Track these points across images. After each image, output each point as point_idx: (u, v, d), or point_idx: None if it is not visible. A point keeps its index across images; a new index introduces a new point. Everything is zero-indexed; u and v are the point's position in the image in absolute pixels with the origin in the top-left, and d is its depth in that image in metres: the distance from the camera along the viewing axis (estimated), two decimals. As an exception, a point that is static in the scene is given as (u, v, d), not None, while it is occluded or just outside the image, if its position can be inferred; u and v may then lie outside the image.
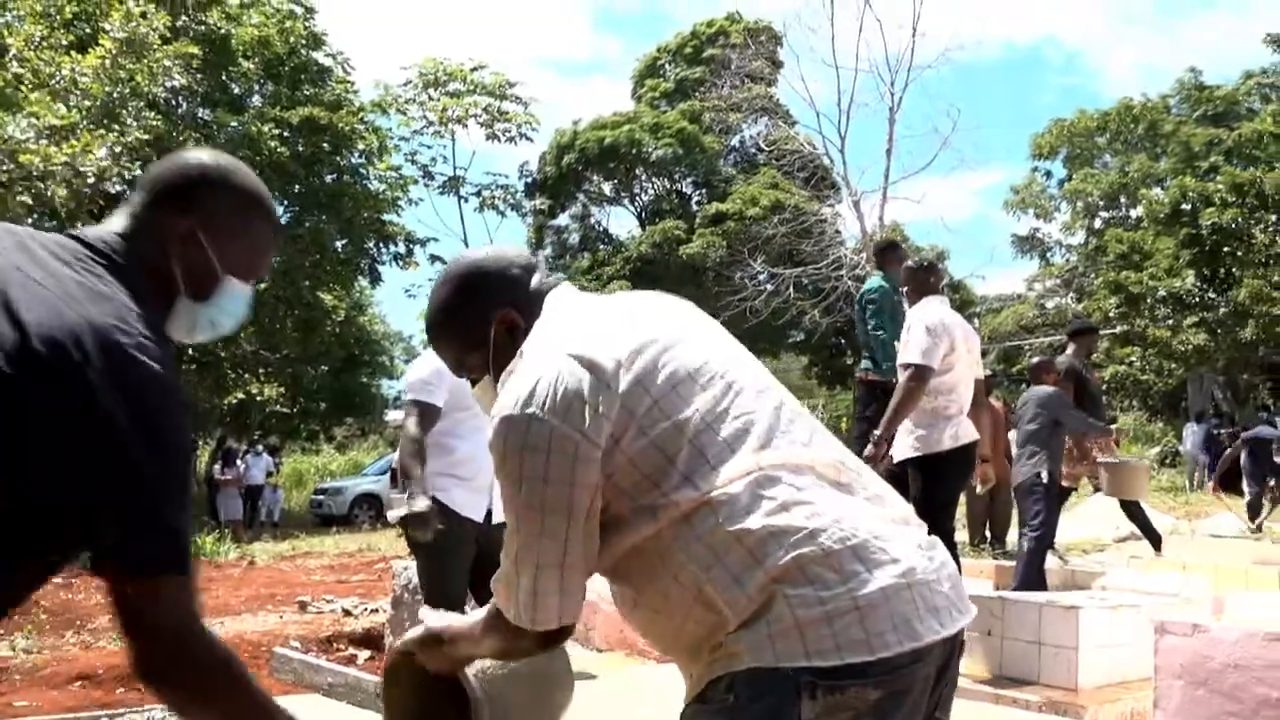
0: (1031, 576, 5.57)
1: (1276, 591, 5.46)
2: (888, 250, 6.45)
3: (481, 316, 1.45)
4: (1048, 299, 28.99)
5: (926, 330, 4.39)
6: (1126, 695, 3.97)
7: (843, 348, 28.64)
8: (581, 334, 1.33)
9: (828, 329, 23.18)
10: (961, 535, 9.75)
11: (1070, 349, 7.04)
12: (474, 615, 1.49)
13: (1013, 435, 6.92)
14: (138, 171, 15.89)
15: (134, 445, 1.08)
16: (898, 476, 4.51)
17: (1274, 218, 19.25)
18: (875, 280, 6.22)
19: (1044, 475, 6.05)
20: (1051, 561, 6.75)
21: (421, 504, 3.48)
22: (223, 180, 1.33)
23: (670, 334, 1.34)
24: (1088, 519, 10.64)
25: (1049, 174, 30.39)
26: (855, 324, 6.23)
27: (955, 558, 4.41)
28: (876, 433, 4.60)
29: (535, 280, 1.51)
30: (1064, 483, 6.94)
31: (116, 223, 1.29)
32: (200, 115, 18.87)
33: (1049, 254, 30.71)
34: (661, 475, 1.25)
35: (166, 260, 1.28)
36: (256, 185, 1.38)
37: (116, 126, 11.58)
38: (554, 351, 1.30)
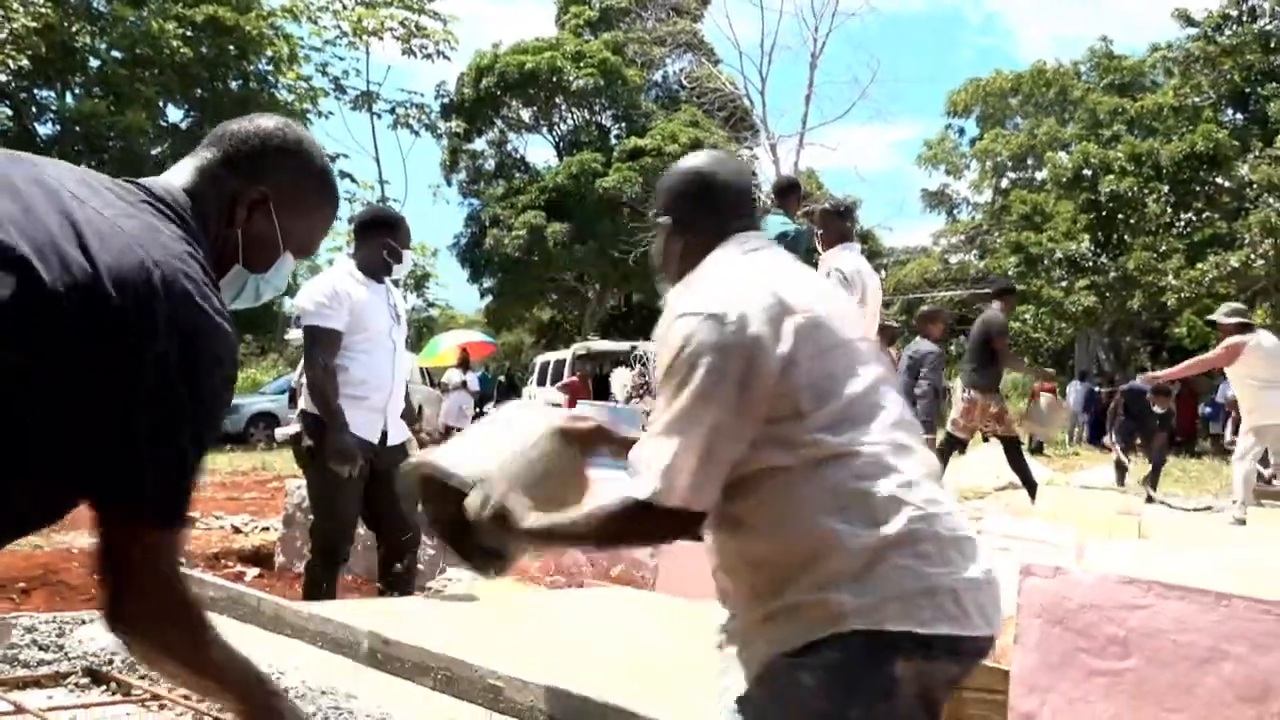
0: None
1: (1134, 540, 5.83)
2: (790, 190, 6.11)
3: (705, 225, 1.54)
4: (952, 254, 29.74)
5: (845, 279, 4.43)
6: (991, 631, 4.21)
7: (752, 291, 28.90)
8: (774, 272, 1.47)
9: (739, 271, 23.37)
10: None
11: (997, 305, 7.26)
12: (579, 510, 1.52)
13: None
14: (24, 61, 14.94)
15: (179, 393, 1.06)
16: None
17: (1167, 189, 20.05)
18: (785, 221, 5.99)
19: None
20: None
21: (347, 440, 3.44)
22: (302, 154, 1.32)
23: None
24: (972, 468, 11.14)
25: (962, 131, 30.97)
26: None
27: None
28: None
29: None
30: (958, 434, 7.24)
31: (181, 176, 1.25)
32: (96, 6, 17.77)
33: (956, 210, 31.44)
34: (809, 415, 1.36)
35: (231, 224, 1.25)
36: (327, 165, 1.38)
37: (1, 11, 10.82)
38: (751, 277, 1.44)
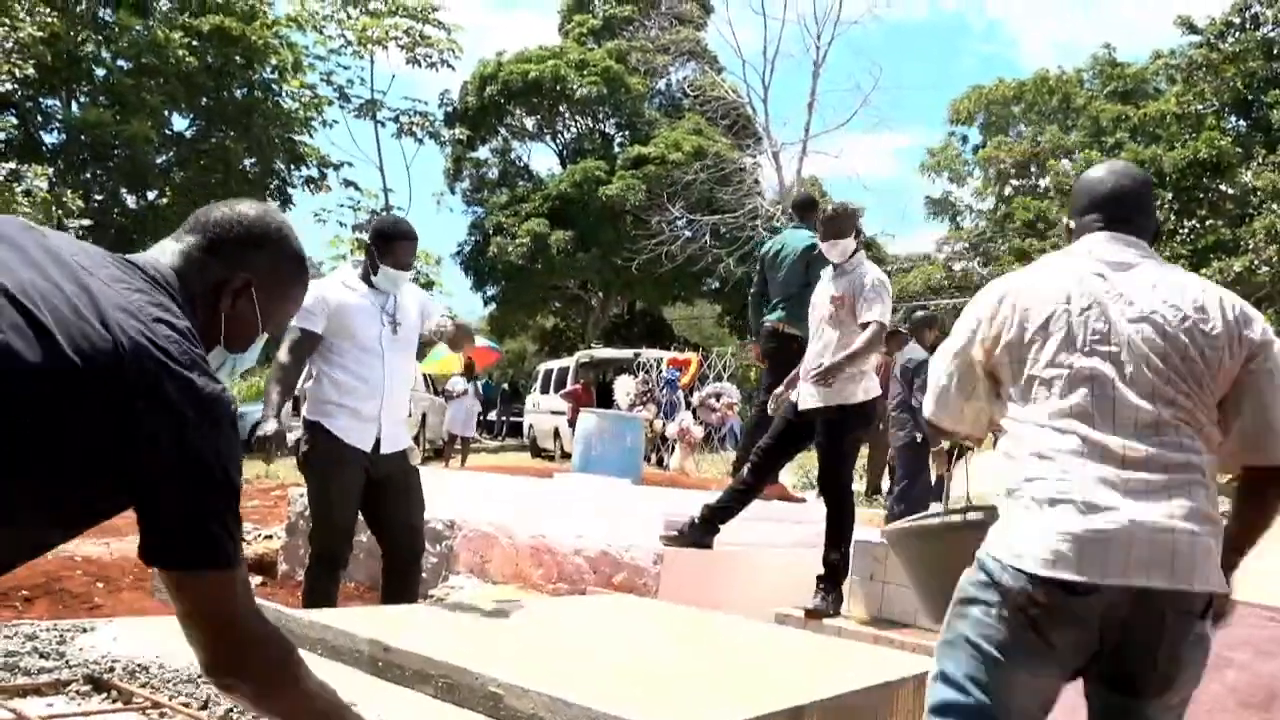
0: None
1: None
2: (811, 206, 6.35)
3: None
4: (955, 262, 29.74)
5: (885, 287, 4.46)
6: (995, 639, 4.20)
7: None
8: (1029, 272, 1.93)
9: (742, 278, 23.35)
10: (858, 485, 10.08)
11: None
12: None
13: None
14: (30, 70, 14.96)
15: (192, 452, 1.14)
16: (794, 425, 4.61)
17: (1170, 196, 20.04)
18: (811, 235, 5.95)
19: (918, 437, 6.33)
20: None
21: (270, 427, 3.46)
22: (282, 242, 1.40)
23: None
24: (984, 474, 11.10)
25: (965, 139, 30.97)
26: (767, 270, 6.14)
27: (851, 508, 4.56)
28: (823, 363, 4.49)
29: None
30: (962, 441, 7.22)
31: (167, 256, 1.32)
32: (101, 16, 17.86)
33: (959, 218, 31.42)
34: (1011, 385, 1.81)
35: (214, 307, 1.32)
36: (302, 249, 1.47)
37: (7, 20, 10.87)
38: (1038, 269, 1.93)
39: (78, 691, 2.01)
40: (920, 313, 7.21)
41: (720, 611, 3.77)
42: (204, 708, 1.94)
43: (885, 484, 9.21)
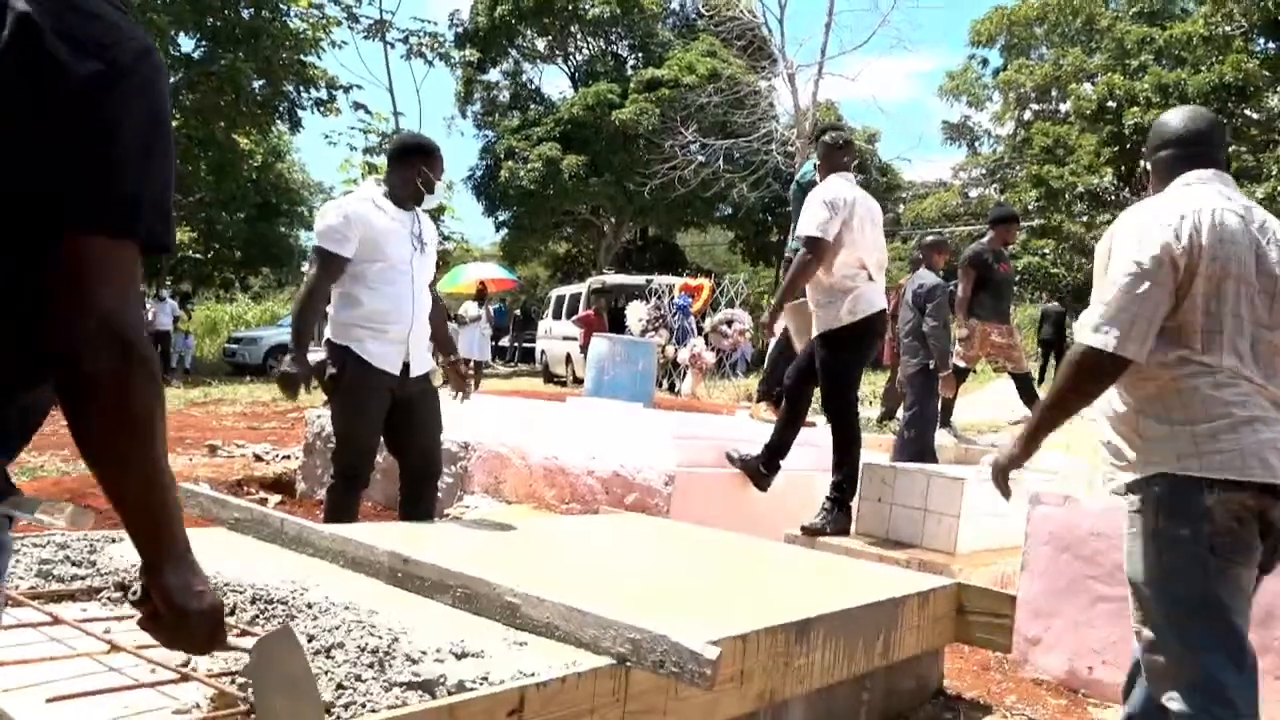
0: (907, 459, 5.85)
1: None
2: (818, 137, 6.37)
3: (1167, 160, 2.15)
4: (972, 188, 29.35)
5: (823, 203, 4.46)
6: (999, 560, 4.27)
7: (769, 224, 28.71)
8: (1206, 206, 1.99)
9: (755, 204, 23.17)
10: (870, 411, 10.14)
11: (987, 236, 7.18)
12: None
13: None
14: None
15: (76, 90, 0.93)
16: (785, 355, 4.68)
17: (1194, 121, 19.59)
18: (812, 166, 6.06)
19: (929, 365, 6.35)
20: (948, 439, 7.10)
21: (294, 366, 3.46)
22: None
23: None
24: (988, 402, 11.15)
25: (985, 62, 30.29)
26: (790, 203, 6.17)
27: (855, 430, 4.62)
28: (772, 301, 4.77)
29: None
30: (960, 363, 7.24)
31: None
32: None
33: (977, 143, 30.93)
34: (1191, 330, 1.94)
35: None
36: None
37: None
38: (1192, 204, 1.99)
39: (109, 598, 2.09)
40: (930, 237, 7.13)
41: (730, 531, 3.84)
42: (231, 614, 2.01)
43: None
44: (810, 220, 4.47)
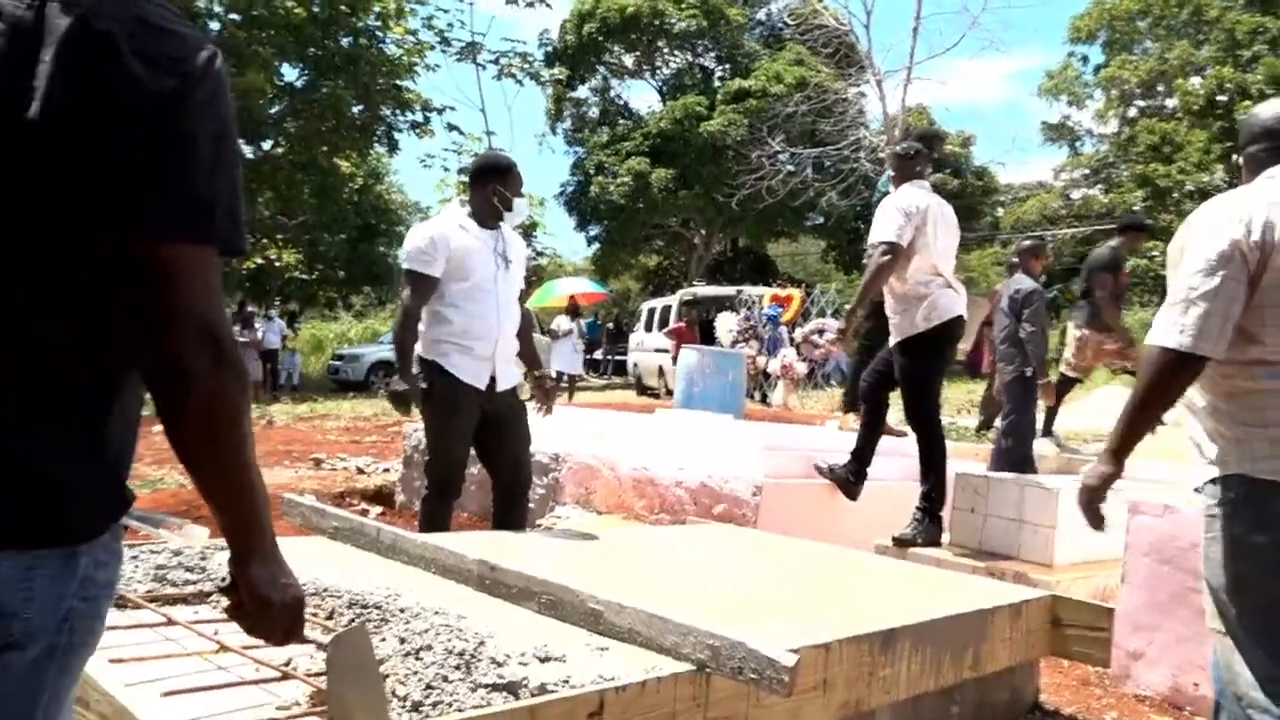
0: (1005, 469, 5.72)
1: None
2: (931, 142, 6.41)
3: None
4: (1074, 190, 28.44)
5: (896, 209, 4.46)
6: (1099, 572, 4.15)
7: (861, 232, 28.35)
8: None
9: (847, 212, 22.90)
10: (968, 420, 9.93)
11: (1116, 240, 7.00)
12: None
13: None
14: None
15: (150, 107, 0.98)
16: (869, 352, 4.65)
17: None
18: (889, 176, 6.14)
19: (1026, 371, 6.19)
20: (1050, 448, 6.91)
21: (403, 385, 3.59)
22: None
23: None
24: (1094, 409, 10.79)
25: (1085, 59, 29.39)
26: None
27: (939, 438, 4.56)
28: (846, 307, 4.76)
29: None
30: (1069, 373, 7.05)
31: None
32: (213, -30, 18.35)
33: (1079, 143, 29.98)
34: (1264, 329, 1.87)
35: None
36: None
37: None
38: (1266, 197, 1.93)
39: (218, 602, 2.21)
40: (1027, 242, 6.97)
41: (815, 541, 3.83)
42: (329, 618, 2.12)
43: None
44: (883, 227, 4.46)
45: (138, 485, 5.09)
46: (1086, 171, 28.40)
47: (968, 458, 6.38)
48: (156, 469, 6.49)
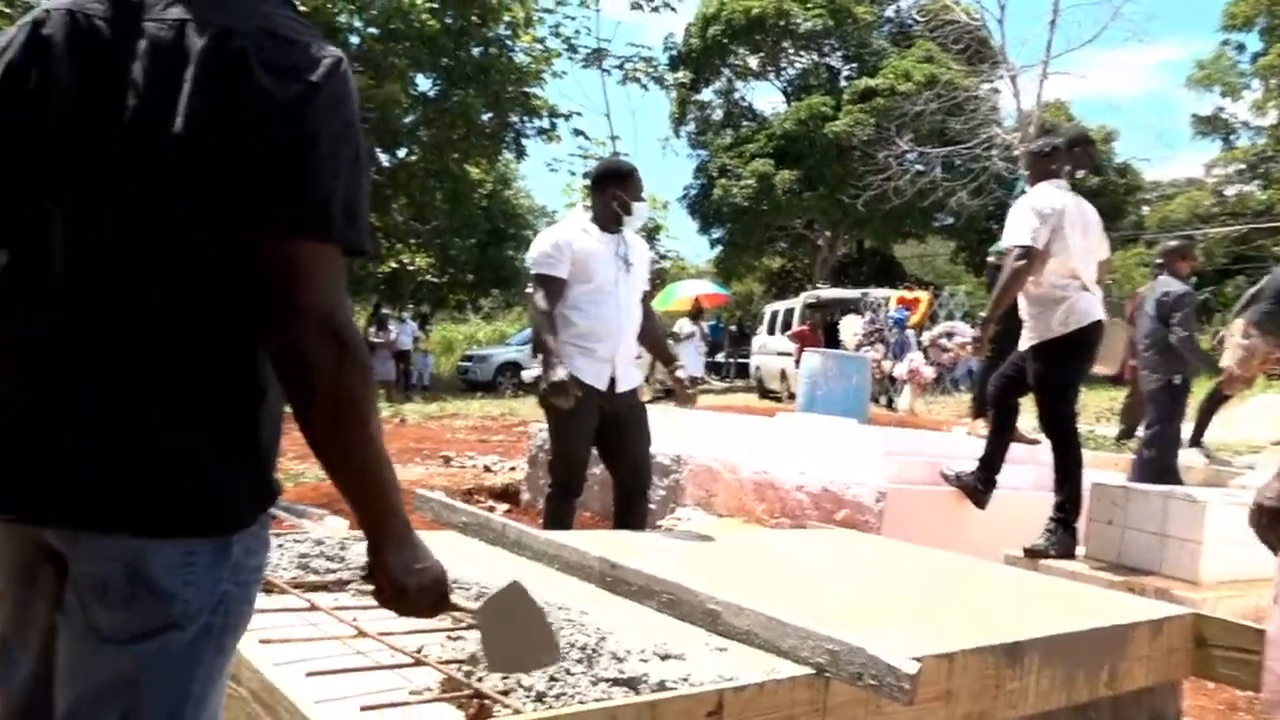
0: (1147, 481, 5.45)
1: None
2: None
3: None
4: (1228, 186, 26.83)
5: (1031, 210, 4.31)
6: (1250, 591, 3.92)
7: (994, 233, 27.44)
8: None
9: (978, 212, 22.20)
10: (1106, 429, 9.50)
11: None
12: None
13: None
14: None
15: (276, 108, 1.05)
16: (1021, 367, 4.49)
17: None
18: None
19: (1175, 380, 5.87)
20: (1199, 460, 6.56)
21: (560, 374, 3.61)
22: None
23: None
24: (1247, 419, 10.17)
25: (1241, 47, 27.71)
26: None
27: (1075, 446, 4.40)
28: (983, 315, 4.62)
29: None
30: (1225, 390, 6.68)
31: None
32: (353, -14, 19.19)
33: (1233, 136, 28.27)
34: None
35: None
36: None
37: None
38: None
39: (357, 589, 2.33)
40: (1173, 242, 6.62)
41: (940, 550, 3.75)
42: (477, 599, 2.20)
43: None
44: (1017, 229, 4.32)
45: (281, 479, 5.36)
46: (1242, 166, 26.76)
47: (1106, 468, 6.11)
48: (299, 464, 6.84)
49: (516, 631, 1.44)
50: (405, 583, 1.16)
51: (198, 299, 1.07)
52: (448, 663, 1.82)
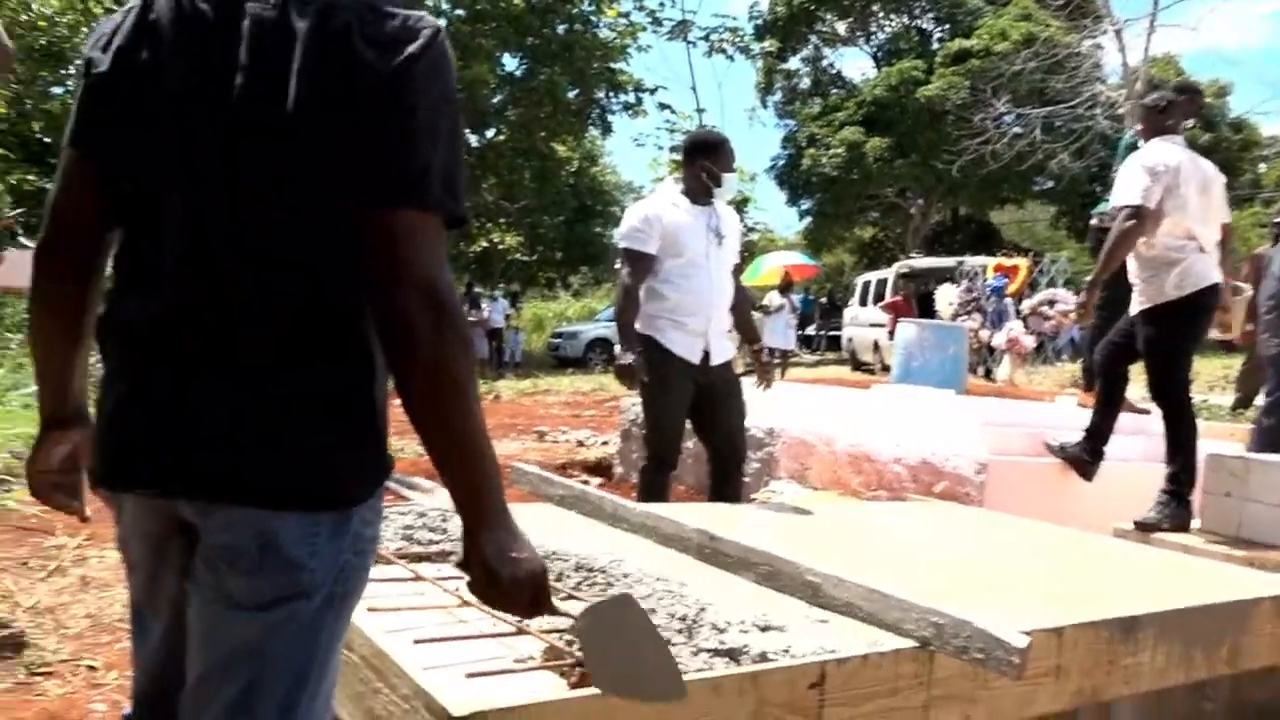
0: (1267, 450, 5.18)
1: None
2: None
3: None
4: (1355, 139, 25.25)
5: (1142, 168, 4.09)
6: (1385, 566, 3.71)
7: (1098, 196, 26.42)
8: None
9: (1080, 174, 21.40)
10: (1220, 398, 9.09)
11: None
12: None
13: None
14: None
15: (376, 74, 1.06)
16: (1130, 332, 4.30)
17: None
18: (1136, 131, 5.67)
19: None
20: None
21: (629, 358, 3.64)
22: None
23: None
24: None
25: (1369, -11, 25.92)
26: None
27: (1188, 416, 4.21)
28: (1088, 279, 4.43)
29: None
30: None
31: None
32: (439, -32, 19.42)
33: (1360, 86, 26.52)
34: None
35: None
36: None
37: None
38: None
39: (458, 561, 2.38)
40: None
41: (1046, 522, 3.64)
42: (557, 579, 2.23)
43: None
44: (1128, 187, 4.12)
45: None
46: (1370, 117, 25.08)
47: (1221, 437, 5.84)
48: (397, 439, 7.03)
49: (626, 649, 1.33)
50: (500, 571, 1.11)
51: (311, 275, 1.09)
52: (549, 632, 1.84)
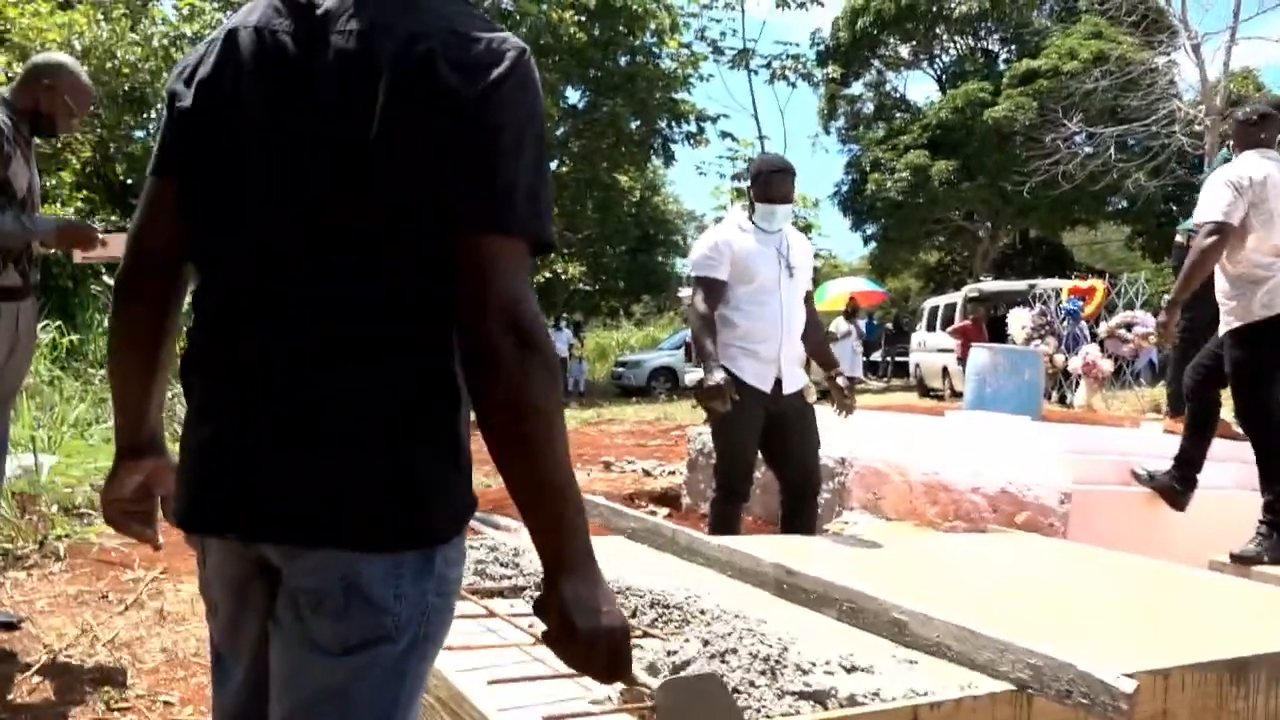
0: None
1: None
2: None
3: None
4: None
5: (1226, 183, 3.93)
6: None
7: (1174, 215, 25.69)
8: None
9: (1155, 194, 20.82)
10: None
11: None
12: None
13: None
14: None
15: (463, 102, 1.04)
16: (1219, 354, 4.13)
17: None
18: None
19: None
20: None
21: (717, 377, 3.55)
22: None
23: None
24: None
25: None
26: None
27: (1272, 438, 3.99)
28: (1167, 297, 4.25)
29: None
30: None
31: None
32: (503, 5, 19.79)
33: None
34: None
35: None
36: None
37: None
38: None
39: (531, 596, 2.34)
40: None
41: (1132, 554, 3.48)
42: (632, 616, 2.17)
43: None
44: (1210, 203, 3.96)
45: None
46: None
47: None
48: (484, 477, 7.06)
49: None
50: (579, 626, 1.02)
51: (396, 309, 1.06)
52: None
